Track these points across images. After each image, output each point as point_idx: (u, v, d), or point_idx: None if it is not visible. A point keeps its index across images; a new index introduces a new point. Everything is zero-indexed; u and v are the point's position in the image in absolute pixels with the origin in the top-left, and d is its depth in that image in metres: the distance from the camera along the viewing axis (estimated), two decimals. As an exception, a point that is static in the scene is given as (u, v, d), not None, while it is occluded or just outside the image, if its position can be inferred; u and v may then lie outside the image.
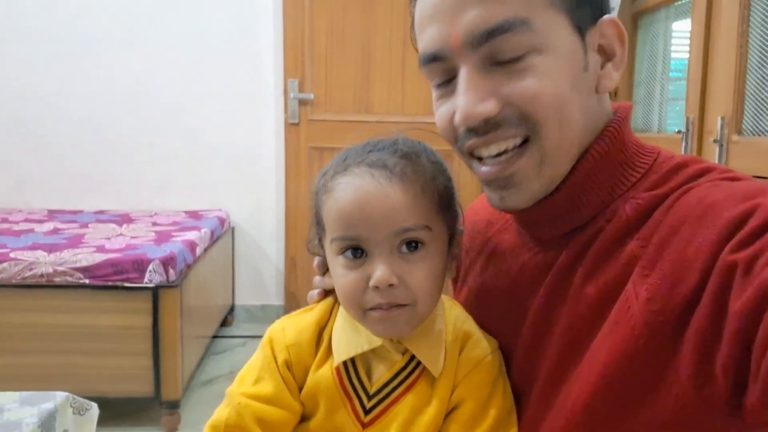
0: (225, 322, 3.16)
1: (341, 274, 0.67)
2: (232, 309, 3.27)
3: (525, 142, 0.62)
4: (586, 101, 0.64)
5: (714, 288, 0.50)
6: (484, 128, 0.62)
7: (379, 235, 0.64)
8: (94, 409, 1.31)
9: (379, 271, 0.64)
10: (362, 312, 0.66)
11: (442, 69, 0.64)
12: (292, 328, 0.72)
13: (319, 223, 0.71)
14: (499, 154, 0.64)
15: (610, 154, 0.64)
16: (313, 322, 0.72)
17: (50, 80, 3.07)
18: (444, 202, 0.67)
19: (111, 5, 3.05)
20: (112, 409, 2.20)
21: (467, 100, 0.61)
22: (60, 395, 1.23)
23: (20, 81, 3.06)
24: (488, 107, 0.61)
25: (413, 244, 0.65)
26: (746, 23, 1.48)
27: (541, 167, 0.63)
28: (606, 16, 0.64)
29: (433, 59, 0.64)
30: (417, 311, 0.66)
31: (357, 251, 0.66)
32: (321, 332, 0.72)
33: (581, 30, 0.62)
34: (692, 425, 0.54)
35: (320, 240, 0.72)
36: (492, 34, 0.59)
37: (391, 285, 0.64)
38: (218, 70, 3.14)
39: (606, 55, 0.65)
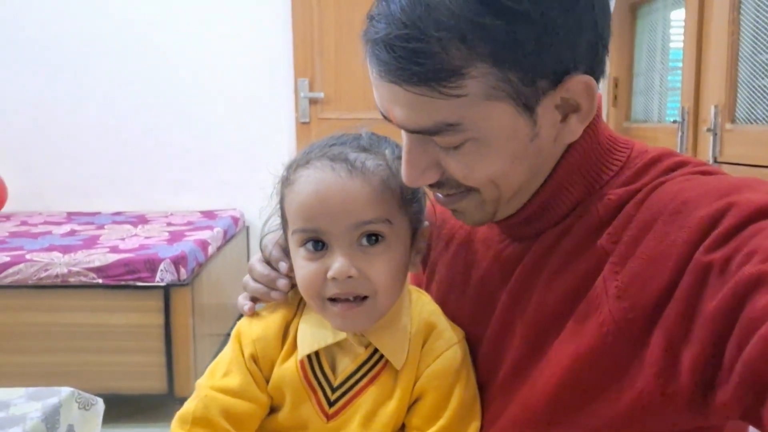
0: (240, 320, 3.19)
1: (302, 265, 0.68)
2: (247, 307, 3.30)
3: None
4: (533, 161, 0.62)
5: (686, 287, 0.51)
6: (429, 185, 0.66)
7: (339, 227, 0.65)
8: (100, 405, 1.32)
9: (338, 263, 0.64)
10: (322, 302, 0.67)
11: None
12: (259, 322, 0.74)
13: (282, 215, 0.72)
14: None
15: (585, 156, 0.64)
16: (280, 317, 0.73)
17: (66, 86, 3.13)
18: (407, 196, 0.68)
19: (124, 8, 3.10)
20: (126, 406, 2.25)
21: (409, 174, 0.63)
22: (65, 390, 1.24)
23: (37, 88, 3.13)
24: (430, 178, 0.63)
25: (373, 237, 0.66)
26: (737, 11, 1.46)
27: (483, 206, 0.65)
28: (575, 77, 0.58)
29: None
30: (377, 304, 0.67)
31: (318, 244, 0.67)
32: (287, 326, 0.73)
33: (529, 105, 0.58)
34: (653, 420, 0.54)
35: (285, 231, 0.74)
36: (422, 132, 0.59)
37: (350, 277, 0.65)
38: (230, 71, 3.17)
39: (571, 108, 0.61)
